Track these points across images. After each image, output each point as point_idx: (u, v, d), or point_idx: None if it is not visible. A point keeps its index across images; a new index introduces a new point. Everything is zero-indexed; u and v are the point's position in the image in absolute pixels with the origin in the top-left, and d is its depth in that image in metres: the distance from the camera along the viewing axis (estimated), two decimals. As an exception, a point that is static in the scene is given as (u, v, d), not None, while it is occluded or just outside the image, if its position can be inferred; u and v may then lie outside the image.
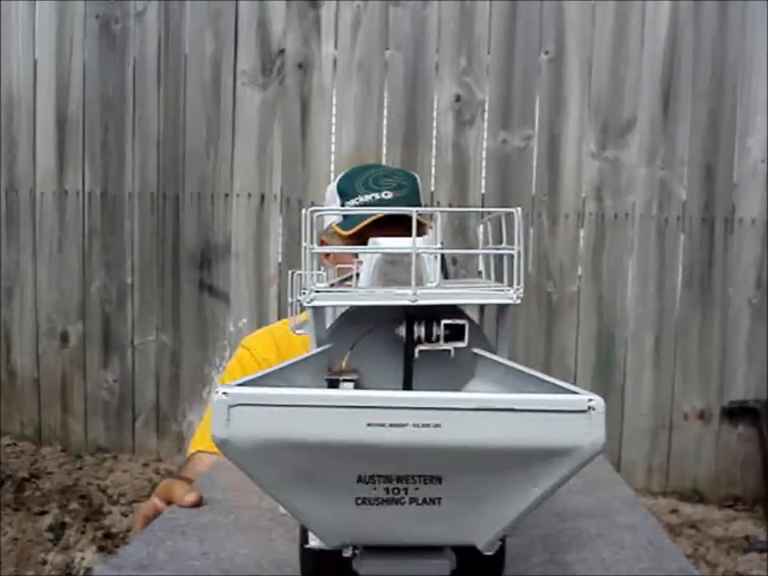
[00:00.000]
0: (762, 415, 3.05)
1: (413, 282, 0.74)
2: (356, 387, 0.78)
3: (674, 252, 3.07)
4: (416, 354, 0.80)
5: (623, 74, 3.05)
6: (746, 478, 3.09)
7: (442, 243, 0.81)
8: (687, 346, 3.08)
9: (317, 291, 0.76)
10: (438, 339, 0.79)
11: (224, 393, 0.58)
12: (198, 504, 1.02)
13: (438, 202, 3.00)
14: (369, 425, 0.58)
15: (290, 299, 0.85)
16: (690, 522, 2.88)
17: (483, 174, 3.03)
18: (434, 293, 0.76)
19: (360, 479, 0.62)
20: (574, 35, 3.02)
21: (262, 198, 3.06)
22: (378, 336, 0.81)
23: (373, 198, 1.54)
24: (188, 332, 3.11)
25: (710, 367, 3.09)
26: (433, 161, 3.02)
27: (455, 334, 0.79)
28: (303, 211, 0.74)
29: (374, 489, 0.62)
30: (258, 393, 0.59)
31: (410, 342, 0.79)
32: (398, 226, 1.51)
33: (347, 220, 1.56)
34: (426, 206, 1.63)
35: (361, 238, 1.53)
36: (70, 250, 3.15)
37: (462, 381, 0.84)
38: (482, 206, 3.00)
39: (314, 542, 0.70)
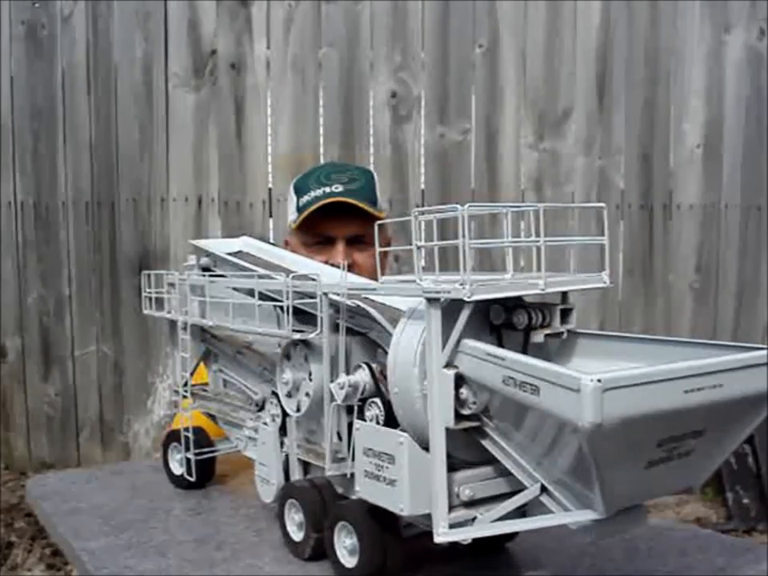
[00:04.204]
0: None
1: (543, 272, 0.80)
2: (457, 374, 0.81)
3: (614, 240, 3.09)
4: (541, 339, 0.85)
5: (557, 66, 3.06)
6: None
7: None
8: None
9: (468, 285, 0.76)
10: (549, 324, 0.86)
11: (598, 380, 0.65)
12: None
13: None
14: (685, 391, 0.69)
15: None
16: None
17: (422, 169, 3.02)
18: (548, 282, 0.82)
19: (659, 443, 0.71)
20: (508, 28, 3.03)
21: (200, 201, 3.01)
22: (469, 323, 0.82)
23: (323, 191, 1.56)
24: (129, 341, 3.05)
25: (655, 353, 3.11)
26: (371, 158, 3.00)
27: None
28: (461, 209, 0.76)
29: (662, 450, 0.72)
30: (627, 375, 0.67)
31: (529, 328, 0.85)
32: (344, 216, 1.53)
33: (299, 214, 1.58)
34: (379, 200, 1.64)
35: (308, 229, 1.57)
36: (4, 262, 3.07)
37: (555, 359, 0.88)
38: (423, 202, 3.00)
39: (440, 537, 0.78)
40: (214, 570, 0.97)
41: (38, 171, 3.06)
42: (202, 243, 1.24)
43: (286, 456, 1.08)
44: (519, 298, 0.84)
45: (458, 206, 0.76)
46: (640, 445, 0.71)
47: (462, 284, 0.76)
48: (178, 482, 1.27)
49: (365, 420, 0.91)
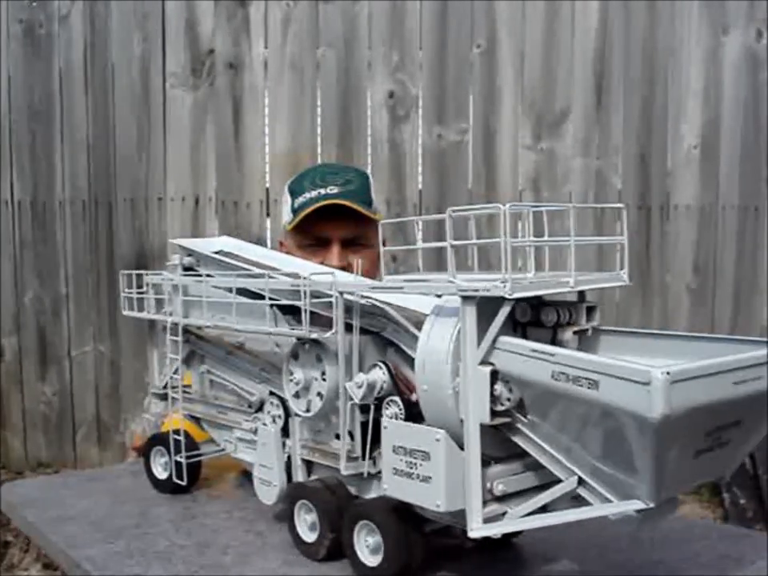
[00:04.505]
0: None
1: (572, 270, 0.83)
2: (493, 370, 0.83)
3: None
4: (570, 336, 0.88)
5: (555, 66, 3.06)
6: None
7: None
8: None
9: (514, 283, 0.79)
10: (575, 321, 0.89)
11: (666, 372, 0.68)
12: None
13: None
14: (734, 383, 0.73)
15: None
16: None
17: (420, 169, 3.02)
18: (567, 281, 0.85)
19: (708, 433, 0.75)
20: (506, 29, 3.03)
21: (197, 200, 3.01)
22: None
23: (319, 193, 1.55)
24: (126, 341, 3.05)
25: (652, 354, 3.11)
26: (369, 158, 3.00)
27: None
28: (502, 207, 0.78)
29: (709, 440, 0.75)
30: (690, 368, 0.71)
31: (557, 325, 0.88)
32: (340, 218, 1.53)
33: (294, 215, 1.57)
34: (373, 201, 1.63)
35: (304, 230, 1.56)
36: (1, 262, 3.07)
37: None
38: (420, 202, 2.99)
39: (475, 532, 0.80)
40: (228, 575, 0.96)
41: (35, 170, 3.06)
42: (184, 242, 1.23)
43: (288, 457, 1.07)
44: (540, 297, 0.86)
45: (500, 204, 0.78)
46: (692, 435, 0.74)
47: (503, 282, 0.78)
48: (162, 486, 1.25)
49: (381, 419, 0.91)
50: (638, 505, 0.75)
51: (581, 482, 0.80)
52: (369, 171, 2.98)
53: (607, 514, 0.78)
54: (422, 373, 0.85)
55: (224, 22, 2.98)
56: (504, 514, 0.84)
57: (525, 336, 0.88)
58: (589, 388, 0.73)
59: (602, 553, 1.01)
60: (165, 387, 1.29)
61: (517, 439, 0.83)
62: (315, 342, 0.99)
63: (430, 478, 0.82)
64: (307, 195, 1.55)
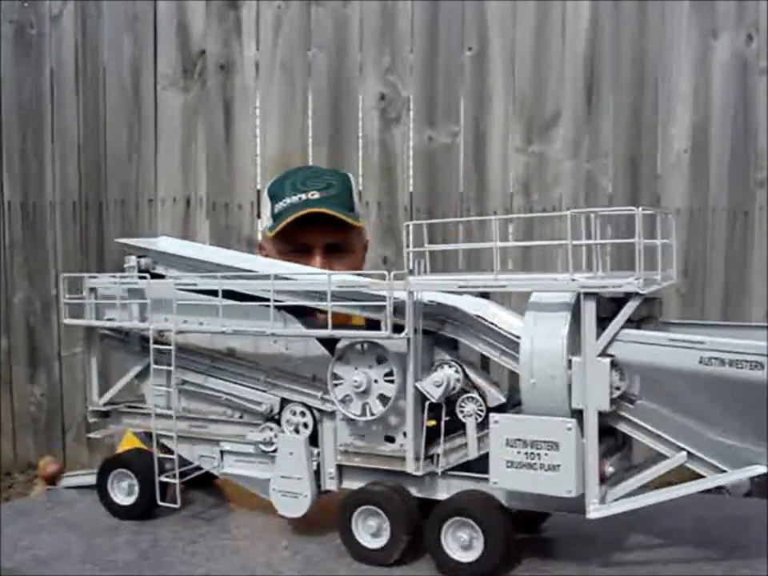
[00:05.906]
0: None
1: (659, 269, 0.90)
2: None
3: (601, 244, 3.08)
4: (653, 328, 0.94)
5: (546, 69, 3.06)
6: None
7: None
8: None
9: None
10: (652, 315, 0.96)
11: None
12: (60, 471, 1.26)
13: (367, 202, 2.98)
14: None
15: None
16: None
17: (411, 173, 3.02)
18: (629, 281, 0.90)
19: None
20: (497, 32, 3.03)
21: (188, 202, 3.00)
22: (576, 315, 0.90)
23: (299, 198, 1.53)
24: (116, 342, 3.04)
25: (641, 356, 3.12)
26: (360, 161, 3.00)
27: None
28: (636, 210, 0.86)
29: None
30: None
31: (640, 319, 0.94)
32: (322, 225, 1.52)
33: (275, 221, 1.55)
34: (363, 204, 1.62)
35: (285, 237, 1.54)
36: (-9, 262, 3.07)
37: None
38: (411, 204, 3.00)
39: (594, 514, 0.86)
40: None
41: (26, 171, 3.06)
42: (131, 242, 1.19)
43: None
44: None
45: (633, 207, 0.87)
46: None
47: (636, 278, 0.86)
48: (127, 513, 1.15)
49: (454, 415, 0.96)
50: (761, 469, 0.82)
51: (690, 455, 0.86)
52: (359, 173, 3.00)
53: (727, 483, 0.85)
54: (529, 366, 0.89)
55: (215, 24, 2.98)
56: (605, 495, 0.89)
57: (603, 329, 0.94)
58: (752, 369, 0.80)
59: (627, 524, 1.02)
60: (106, 404, 1.25)
61: (619, 425, 0.89)
62: (372, 343, 0.98)
63: (559, 466, 0.87)
64: (288, 201, 1.53)
